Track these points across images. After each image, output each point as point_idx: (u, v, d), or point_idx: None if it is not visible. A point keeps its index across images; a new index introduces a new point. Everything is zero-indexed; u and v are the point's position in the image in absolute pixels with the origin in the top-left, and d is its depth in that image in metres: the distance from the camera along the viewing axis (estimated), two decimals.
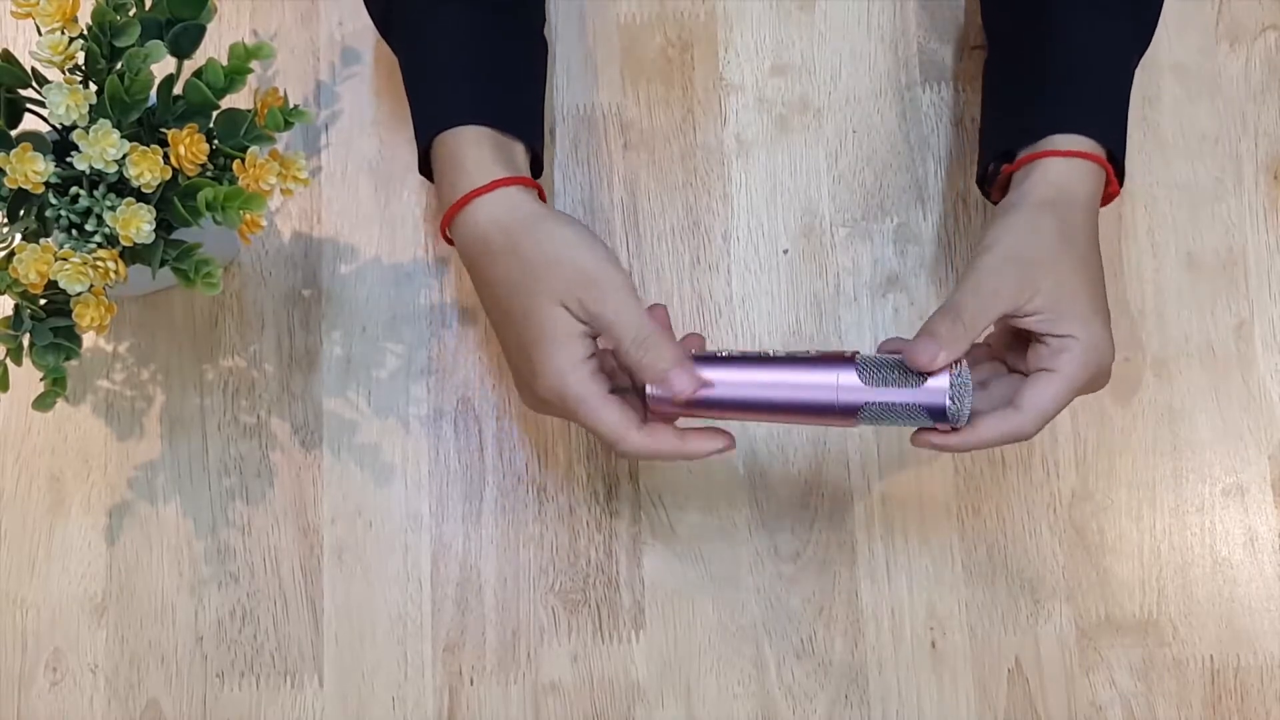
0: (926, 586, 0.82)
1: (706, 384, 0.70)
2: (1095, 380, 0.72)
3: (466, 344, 0.85)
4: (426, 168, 0.78)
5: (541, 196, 0.76)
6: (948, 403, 0.68)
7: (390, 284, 0.86)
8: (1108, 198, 0.76)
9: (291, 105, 0.73)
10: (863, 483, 0.83)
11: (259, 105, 0.72)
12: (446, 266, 0.86)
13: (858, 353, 0.70)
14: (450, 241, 0.76)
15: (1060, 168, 0.74)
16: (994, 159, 0.78)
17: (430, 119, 0.77)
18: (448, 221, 0.75)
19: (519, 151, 0.77)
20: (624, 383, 0.73)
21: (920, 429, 0.71)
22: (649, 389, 0.70)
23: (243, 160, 0.69)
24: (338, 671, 0.82)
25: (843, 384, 0.69)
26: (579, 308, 0.70)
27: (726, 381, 0.70)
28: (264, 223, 0.71)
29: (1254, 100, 0.87)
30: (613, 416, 0.70)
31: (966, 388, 0.69)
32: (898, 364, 0.69)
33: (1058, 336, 0.71)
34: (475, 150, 0.75)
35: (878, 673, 0.81)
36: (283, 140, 0.86)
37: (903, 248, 0.86)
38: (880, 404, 0.69)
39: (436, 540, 0.83)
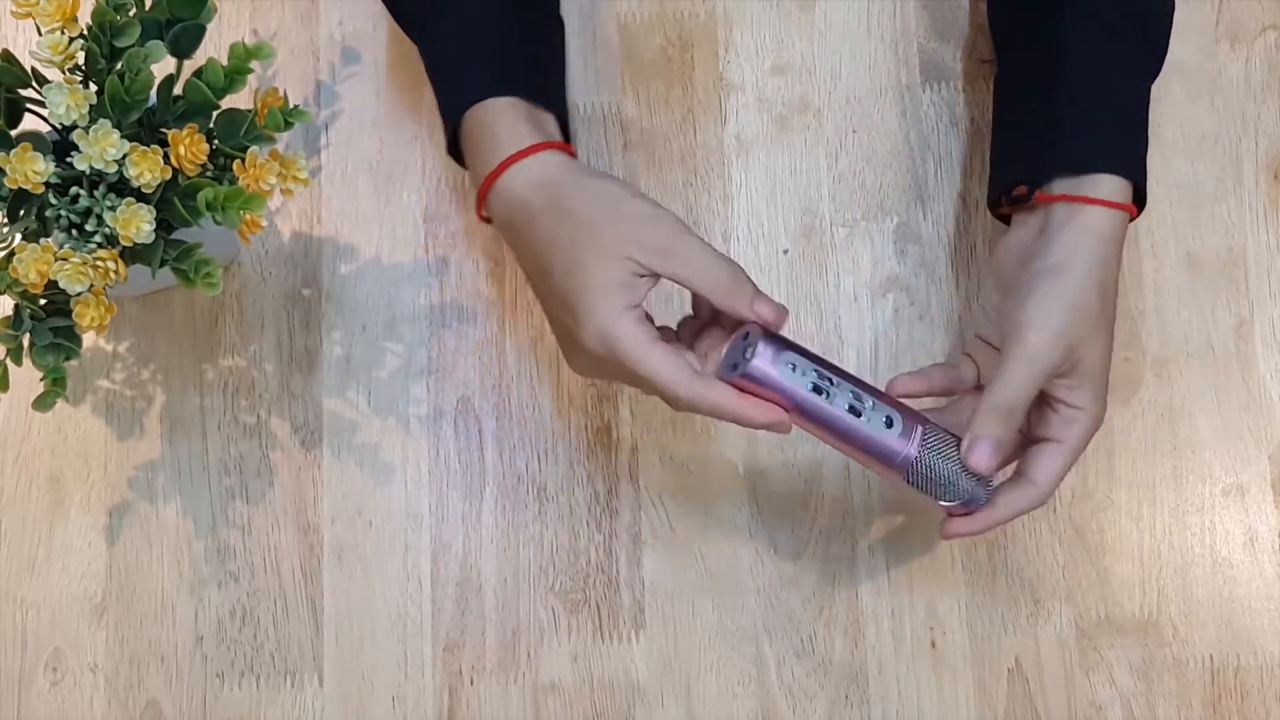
0: (926, 586, 0.82)
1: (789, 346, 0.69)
2: None
3: (466, 344, 0.85)
4: (455, 149, 0.78)
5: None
6: (985, 494, 0.72)
7: (390, 284, 0.86)
8: None
9: (291, 105, 0.73)
10: (863, 482, 0.83)
11: (259, 105, 0.72)
12: (446, 266, 0.86)
13: (928, 421, 0.71)
14: (486, 220, 0.76)
15: (1102, 220, 0.74)
16: (1025, 183, 0.77)
17: (459, 95, 0.76)
18: (486, 189, 0.74)
19: (550, 120, 0.77)
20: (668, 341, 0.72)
21: (946, 522, 0.73)
22: (729, 355, 0.69)
23: (243, 160, 0.69)
24: (338, 671, 0.82)
25: (909, 452, 0.70)
26: (643, 253, 0.69)
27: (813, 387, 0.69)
28: (264, 223, 0.71)
29: (1254, 100, 0.87)
30: (667, 362, 0.68)
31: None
32: (955, 441, 0.71)
33: (1071, 406, 0.73)
34: (509, 120, 0.75)
35: (878, 672, 0.81)
36: (283, 140, 0.86)
37: (903, 248, 0.86)
38: (929, 476, 0.71)
39: (436, 540, 0.83)
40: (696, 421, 0.84)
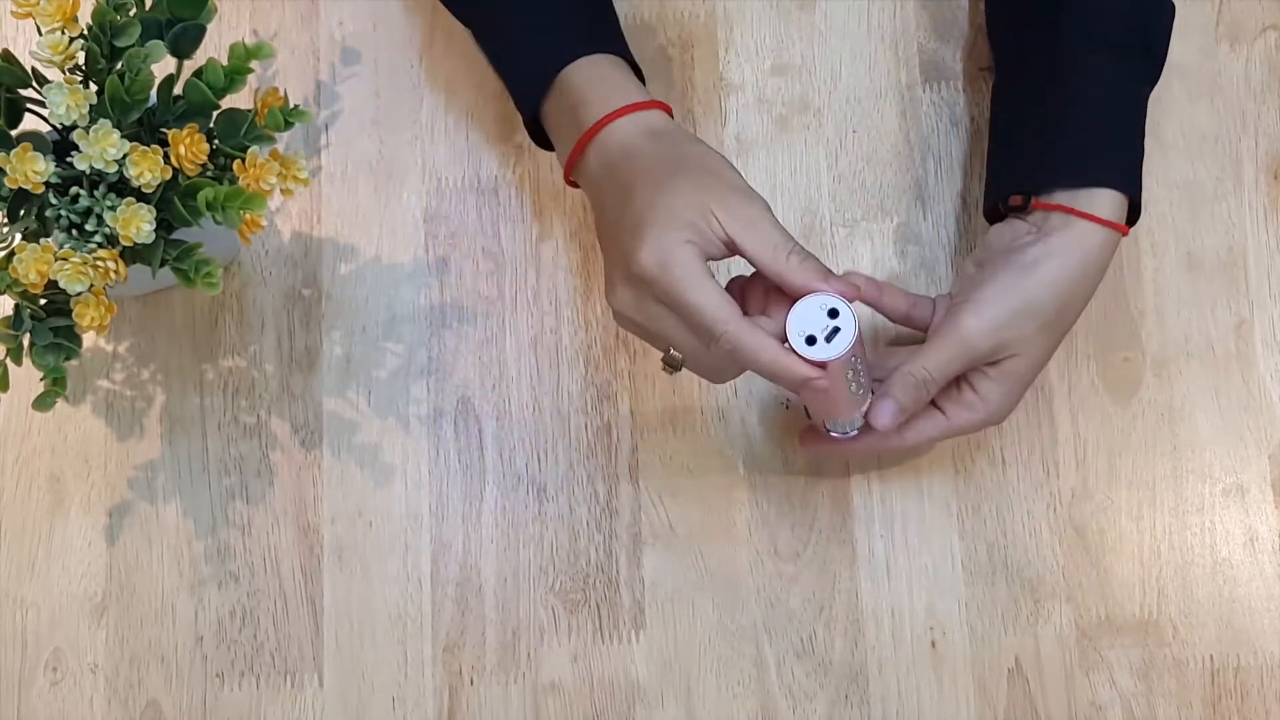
0: (926, 586, 0.82)
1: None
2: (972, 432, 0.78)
3: (467, 344, 0.85)
4: (534, 114, 0.78)
5: None
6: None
7: (390, 284, 0.86)
8: None
9: (291, 105, 0.73)
10: (863, 482, 0.83)
11: (259, 105, 0.72)
12: (446, 266, 0.86)
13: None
14: (571, 181, 0.76)
15: (1092, 237, 0.74)
16: (1022, 193, 0.77)
17: (557, 53, 0.76)
18: (599, 129, 0.73)
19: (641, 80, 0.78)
20: None
21: (807, 435, 0.79)
22: (799, 323, 0.68)
23: (243, 160, 0.69)
24: (338, 671, 0.82)
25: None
26: (729, 217, 0.68)
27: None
28: (264, 223, 0.71)
29: (1254, 100, 0.87)
30: (717, 296, 0.67)
31: None
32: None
33: (976, 394, 0.75)
34: (621, 74, 0.76)
35: (878, 672, 0.81)
36: (283, 140, 0.86)
37: (903, 248, 0.86)
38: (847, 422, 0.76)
39: (436, 540, 0.83)
40: (696, 421, 0.84)
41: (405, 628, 0.82)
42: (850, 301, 0.68)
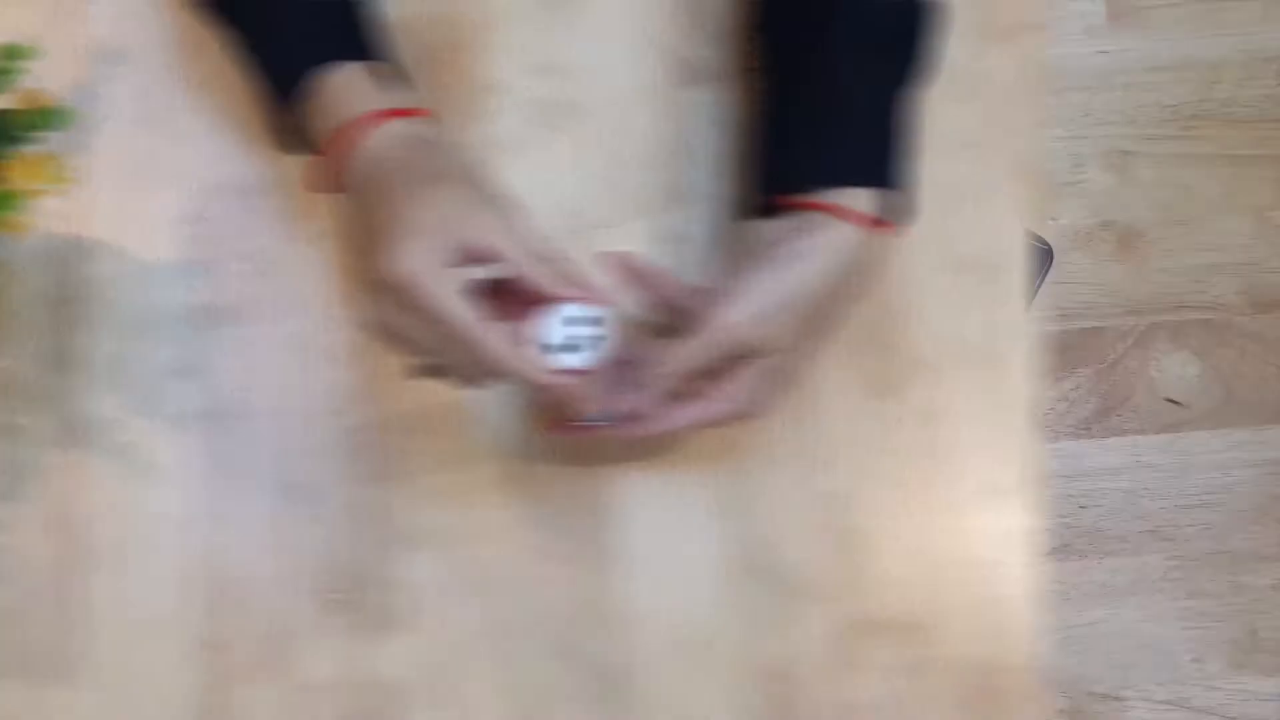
0: (687, 587, 0.82)
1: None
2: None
3: (229, 345, 0.85)
4: (290, 126, 0.78)
5: None
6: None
7: (152, 285, 0.85)
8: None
9: (53, 106, 0.73)
10: (625, 483, 0.83)
11: (20, 106, 0.72)
12: (209, 267, 0.86)
13: None
14: (325, 188, 0.76)
15: (850, 234, 0.75)
16: (782, 192, 0.78)
17: (313, 58, 0.76)
18: (354, 136, 0.74)
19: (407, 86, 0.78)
20: None
21: (553, 423, 0.78)
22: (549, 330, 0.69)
23: (2, 162, 0.69)
24: (100, 673, 0.81)
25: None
26: (478, 224, 0.69)
27: None
28: (24, 224, 0.70)
29: (1012, 103, 0.87)
30: (460, 304, 0.68)
31: None
32: None
33: (733, 386, 0.75)
34: (378, 80, 0.76)
35: (640, 673, 0.81)
36: (47, 141, 0.85)
37: (665, 248, 0.85)
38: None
39: (200, 541, 0.83)
40: (459, 422, 0.84)
41: (168, 628, 0.82)
42: (605, 307, 0.68)
